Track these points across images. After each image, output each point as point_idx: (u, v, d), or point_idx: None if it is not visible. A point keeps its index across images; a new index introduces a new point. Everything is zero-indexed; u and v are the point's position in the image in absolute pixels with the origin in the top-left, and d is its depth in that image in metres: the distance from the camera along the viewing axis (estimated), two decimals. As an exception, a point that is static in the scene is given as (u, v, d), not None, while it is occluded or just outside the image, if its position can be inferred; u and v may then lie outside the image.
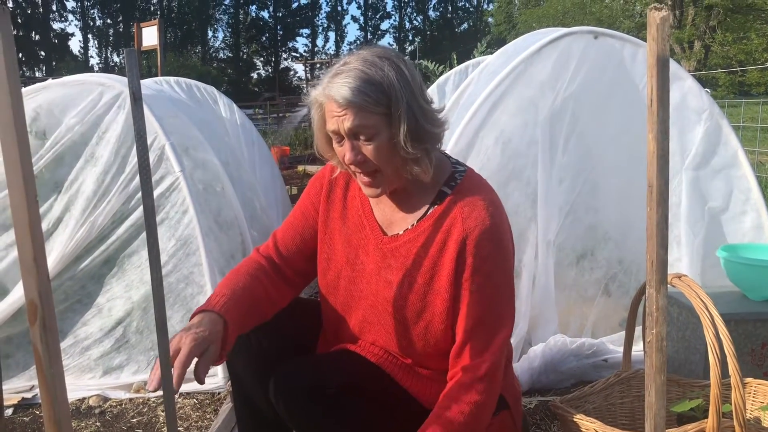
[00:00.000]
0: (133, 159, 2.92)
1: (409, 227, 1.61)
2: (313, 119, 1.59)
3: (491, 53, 3.63)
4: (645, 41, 2.78)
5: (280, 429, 1.75)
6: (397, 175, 1.55)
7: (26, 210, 0.81)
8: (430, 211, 1.59)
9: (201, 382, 1.40)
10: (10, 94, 0.78)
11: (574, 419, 1.71)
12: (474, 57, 6.49)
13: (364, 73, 1.45)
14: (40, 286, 0.83)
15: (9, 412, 2.59)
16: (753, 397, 1.89)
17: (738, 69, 21.94)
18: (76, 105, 3.00)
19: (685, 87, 2.94)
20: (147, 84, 3.94)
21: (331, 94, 1.46)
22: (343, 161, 1.54)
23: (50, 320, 0.85)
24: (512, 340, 2.32)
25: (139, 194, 2.87)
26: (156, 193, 2.90)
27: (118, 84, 3.03)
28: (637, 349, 2.40)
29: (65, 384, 0.87)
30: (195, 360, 1.40)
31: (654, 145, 1.24)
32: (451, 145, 2.70)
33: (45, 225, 2.92)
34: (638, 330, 2.42)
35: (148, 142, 2.93)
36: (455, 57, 7.33)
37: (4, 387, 2.71)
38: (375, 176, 1.52)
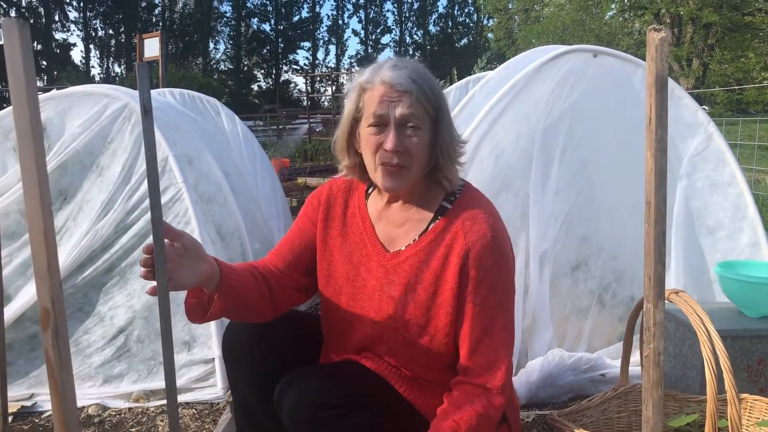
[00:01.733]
0: (139, 170, 2.94)
1: (411, 243, 1.63)
2: (344, 108, 1.61)
3: (491, 69, 3.67)
4: (644, 59, 2.82)
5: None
6: (418, 179, 1.59)
7: (41, 218, 0.83)
8: (431, 226, 1.61)
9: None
10: (29, 106, 0.81)
11: (572, 433, 1.72)
12: (474, 72, 6.55)
13: (422, 70, 1.54)
14: (53, 292, 0.85)
15: (9, 419, 2.60)
16: (749, 413, 1.90)
17: (736, 87, 22.08)
18: (81, 115, 3.03)
19: (681, 104, 2.98)
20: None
21: (386, 80, 1.50)
22: (375, 150, 1.54)
23: (62, 327, 0.87)
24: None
25: (143, 205, 2.91)
26: (158, 203, 2.93)
27: (124, 95, 3.06)
28: (635, 362, 2.42)
29: (75, 389, 0.89)
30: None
31: (652, 163, 1.26)
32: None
33: (47, 234, 2.94)
34: (635, 341, 2.44)
35: (152, 152, 2.97)
36: (455, 72, 7.39)
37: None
38: (402, 170, 1.55)
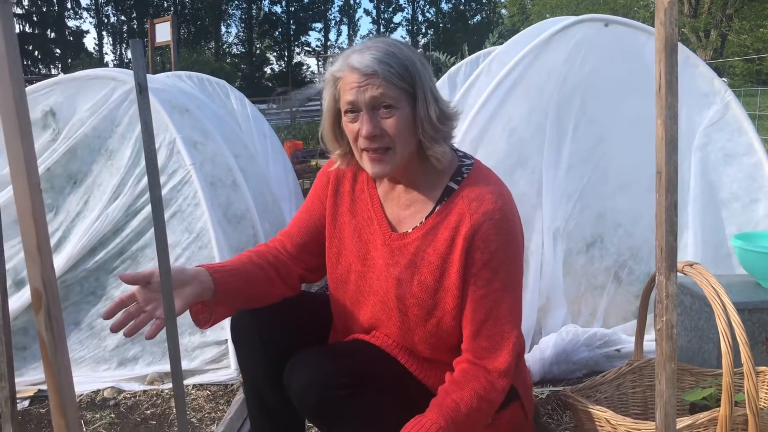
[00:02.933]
0: (146, 153, 2.93)
1: (418, 225, 1.60)
2: (323, 101, 1.58)
3: (503, 43, 3.61)
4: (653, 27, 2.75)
5: (291, 422, 1.76)
6: (407, 159, 1.54)
7: (29, 198, 0.81)
8: (438, 207, 1.58)
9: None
10: (11, 80, 0.79)
11: (586, 409, 1.70)
12: (486, 47, 6.46)
13: (387, 50, 1.48)
14: (44, 274, 0.83)
15: (25, 403, 2.62)
16: (766, 386, 1.87)
17: (755, 57, 21.65)
18: (89, 99, 3.02)
19: (696, 72, 2.91)
20: (159, 78, 3.96)
21: (353, 65, 1.46)
22: (355, 138, 1.52)
23: (55, 308, 0.85)
24: (522, 330, 2.32)
25: (152, 189, 2.90)
26: (168, 186, 2.92)
27: (130, 78, 3.05)
28: (650, 338, 2.38)
29: (71, 371, 0.88)
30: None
31: (662, 131, 1.22)
32: (461, 134, 2.69)
33: (61, 218, 2.95)
34: (650, 318, 2.41)
35: (161, 135, 2.96)
36: (467, 48, 7.29)
37: (21, 379, 2.75)
38: (386, 153, 1.51)
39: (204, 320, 1.60)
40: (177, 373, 1.30)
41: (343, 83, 1.50)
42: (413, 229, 1.60)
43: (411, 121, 1.50)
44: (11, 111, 0.79)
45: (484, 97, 2.75)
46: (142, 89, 1.23)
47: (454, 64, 6.19)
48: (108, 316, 1.44)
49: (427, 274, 1.56)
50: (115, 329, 1.45)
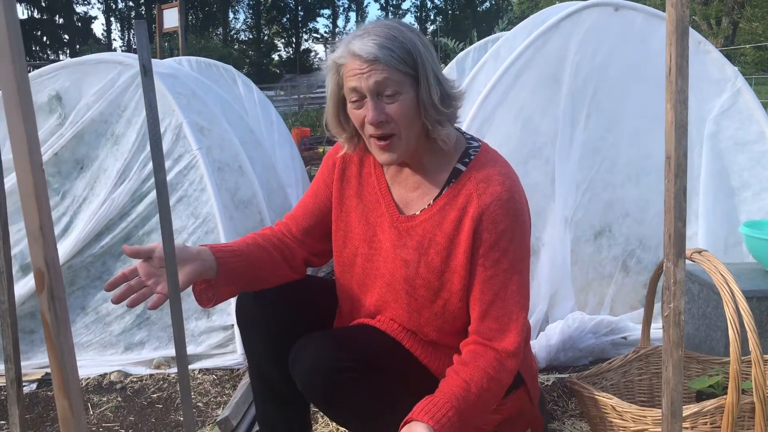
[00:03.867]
0: (152, 137, 2.93)
1: (426, 207, 1.59)
2: (327, 87, 1.57)
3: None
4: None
5: (296, 405, 1.76)
6: (414, 143, 1.53)
7: (31, 177, 0.81)
8: (446, 189, 1.57)
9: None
10: (12, 56, 0.78)
11: (592, 395, 1.69)
12: (495, 33, 6.41)
13: (388, 33, 1.45)
14: (46, 253, 0.82)
15: (33, 387, 2.64)
16: (774, 374, 1.85)
17: (767, 44, 21.43)
18: (95, 84, 3.01)
19: (707, 59, 2.87)
20: (166, 63, 3.95)
21: (354, 52, 1.45)
22: (361, 125, 1.51)
23: (58, 288, 0.84)
24: (530, 318, 2.31)
25: (158, 173, 2.89)
26: (174, 171, 2.92)
27: (137, 62, 3.04)
28: (657, 326, 2.37)
29: (74, 352, 0.88)
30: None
31: (672, 115, 1.21)
32: (468, 120, 2.67)
33: (68, 203, 2.95)
34: (658, 307, 2.39)
35: (167, 120, 2.96)
36: (476, 34, 7.24)
37: (28, 362, 2.76)
38: (392, 140, 1.50)
39: (207, 299, 1.60)
40: (182, 356, 1.30)
41: (346, 70, 1.48)
42: (421, 211, 1.59)
43: (415, 105, 1.49)
44: (12, 88, 0.78)
45: (492, 83, 2.72)
46: (146, 71, 1.22)
47: (462, 50, 6.14)
48: (110, 288, 1.45)
49: (434, 255, 1.55)
50: (115, 301, 1.46)
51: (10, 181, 2.88)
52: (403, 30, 1.48)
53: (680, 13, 1.16)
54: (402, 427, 1.36)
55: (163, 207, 1.29)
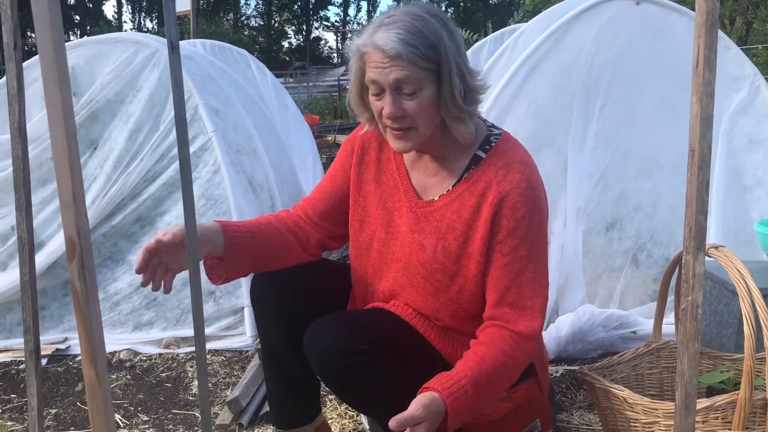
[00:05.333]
0: (167, 117, 2.93)
1: (445, 192, 1.59)
2: (350, 69, 1.57)
3: (528, 21, 3.56)
4: (688, 9, 2.69)
5: (307, 387, 1.77)
6: (430, 134, 1.53)
7: (66, 147, 0.81)
8: (465, 175, 1.57)
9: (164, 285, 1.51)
10: (51, 28, 0.78)
11: (604, 387, 1.70)
12: (510, 25, 6.38)
13: (413, 26, 1.43)
14: (78, 222, 0.83)
15: (44, 362, 2.66)
16: (786, 372, 1.85)
17: (780, 45, 21.27)
18: (111, 63, 3.01)
19: (727, 55, 2.86)
20: (181, 45, 3.94)
21: (377, 44, 1.43)
22: (379, 115, 1.51)
23: (88, 258, 0.85)
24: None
25: (172, 153, 2.90)
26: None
27: (154, 42, 3.04)
28: (667, 321, 2.37)
29: (101, 321, 0.88)
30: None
31: (698, 108, 1.20)
32: (485, 112, 2.67)
33: (79, 182, 2.95)
34: (669, 302, 2.39)
35: (182, 101, 2.95)
36: (490, 26, 7.22)
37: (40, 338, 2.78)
38: (408, 132, 1.50)
39: (218, 276, 1.61)
40: (200, 334, 1.31)
41: (368, 59, 1.47)
42: (440, 196, 1.59)
43: (435, 101, 1.48)
44: (50, 57, 0.79)
45: (509, 74, 2.72)
46: (174, 48, 1.22)
47: (476, 41, 6.12)
48: (141, 271, 1.47)
49: (451, 239, 1.55)
50: (144, 285, 1.49)
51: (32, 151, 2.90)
52: (431, 21, 1.45)
53: (710, 5, 1.15)
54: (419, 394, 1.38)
55: (186, 185, 1.29)
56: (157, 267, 1.48)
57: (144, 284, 1.49)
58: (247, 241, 1.60)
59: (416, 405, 1.34)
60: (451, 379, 1.39)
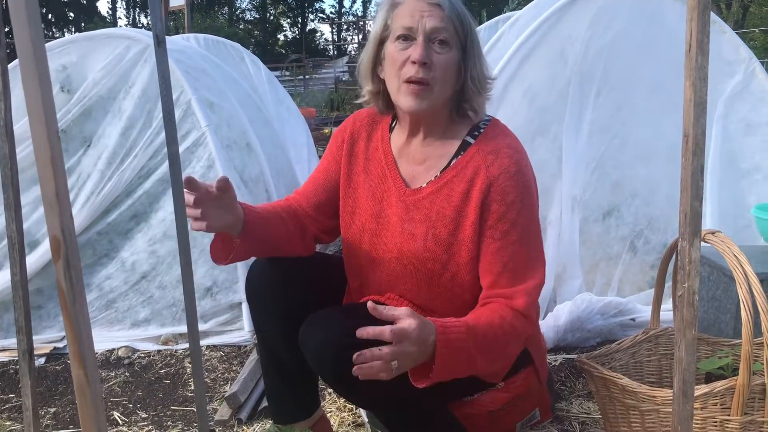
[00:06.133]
0: (159, 114, 2.91)
1: (432, 179, 1.59)
2: (372, 27, 1.59)
3: (522, 8, 3.54)
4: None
5: (305, 381, 1.76)
6: (441, 104, 1.55)
7: (48, 144, 0.80)
8: (453, 161, 1.57)
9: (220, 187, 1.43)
10: (28, 22, 0.77)
11: (602, 375, 1.69)
12: (504, 12, 6.35)
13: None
14: (62, 222, 0.82)
15: (41, 361, 2.65)
16: (785, 356, 1.85)
17: (777, 29, 21.21)
18: (103, 59, 2.99)
19: (722, 39, 2.84)
20: (174, 40, 3.92)
21: None
22: (401, 65, 1.50)
23: (73, 257, 0.84)
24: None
25: (165, 149, 2.88)
26: (182, 147, 2.90)
27: (145, 38, 3.01)
28: (666, 308, 2.36)
29: (89, 321, 0.87)
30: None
31: (691, 93, 1.19)
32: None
33: (74, 179, 2.94)
34: (666, 288, 2.38)
35: (175, 96, 2.93)
36: (485, 14, 7.19)
37: (36, 337, 2.77)
38: (426, 89, 1.50)
39: (223, 257, 1.59)
40: (193, 330, 1.30)
41: (403, 9, 1.51)
42: (427, 183, 1.59)
43: (458, 67, 1.52)
44: (29, 54, 0.77)
45: (504, 62, 2.70)
46: (159, 42, 1.21)
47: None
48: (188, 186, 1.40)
49: (441, 227, 1.55)
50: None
51: (21, 152, 2.88)
52: (463, 7, 1.55)
53: (702, -13, 1.14)
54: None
55: (176, 182, 1.28)
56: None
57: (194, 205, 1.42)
58: (261, 229, 1.59)
59: (409, 321, 1.29)
60: (446, 321, 1.38)
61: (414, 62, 1.47)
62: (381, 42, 1.57)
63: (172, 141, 1.24)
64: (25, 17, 0.77)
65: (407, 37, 1.49)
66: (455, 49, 1.51)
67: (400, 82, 1.52)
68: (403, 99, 1.52)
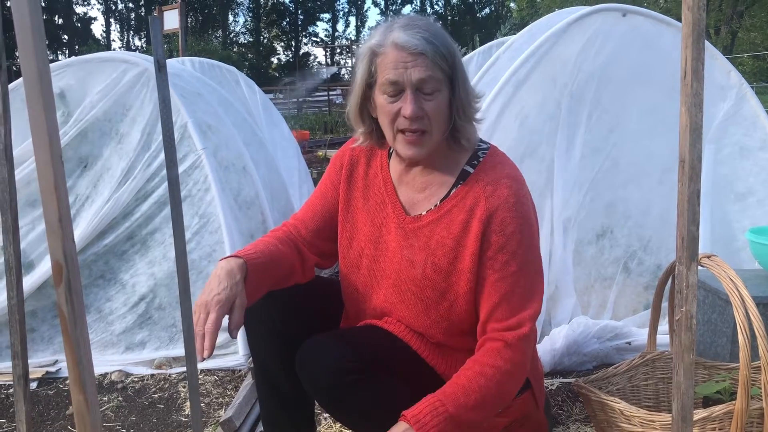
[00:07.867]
0: (158, 136, 2.92)
1: (432, 207, 1.59)
2: (355, 75, 1.55)
3: (514, 35, 3.58)
4: (674, 20, 2.71)
5: (301, 407, 1.75)
6: (438, 142, 1.54)
7: (51, 169, 0.80)
8: (453, 191, 1.57)
9: (234, 336, 1.43)
10: (35, 50, 0.77)
11: (600, 399, 1.69)
12: (497, 38, 6.42)
13: (434, 27, 1.47)
14: (65, 247, 0.82)
15: (34, 385, 2.62)
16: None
17: (766, 54, 21.49)
18: (100, 82, 3.00)
19: (713, 64, 2.88)
20: (169, 63, 3.94)
21: (398, 42, 1.44)
22: (393, 118, 1.49)
23: (75, 281, 0.84)
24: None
25: (163, 172, 2.89)
26: (179, 170, 2.90)
27: (142, 61, 3.03)
28: (662, 330, 2.37)
29: (90, 345, 0.87)
30: (226, 318, 1.41)
31: (686, 118, 1.21)
32: (474, 124, 2.67)
33: (71, 201, 2.93)
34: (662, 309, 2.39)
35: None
36: (478, 39, 7.26)
37: (29, 361, 2.75)
38: (423, 136, 1.50)
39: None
40: (190, 354, 1.29)
41: (385, 60, 1.46)
42: (427, 211, 1.59)
43: (448, 105, 1.50)
44: (35, 81, 0.78)
45: (498, 87, 2.72)
46: (161, 67, 1.22)
47: (464, 54, 6.16)
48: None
49: (440, 256, 1.54)
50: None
51: (20, 173, 2.88)
52: (442, 30, 1.50)
53: (696, 16, 1.16)
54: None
55: (176, 206, 1.29)
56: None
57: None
58: (264, 278, 1.56)
59: None
60: (429, 405, 1.38)
61: (407, 117, 1.46)
62: (368, 86, 1.54)
63: (171, 164, 1.25)
64: (32, 45, 0.77)
65: (395, 90, 1.47)
66: (444, 88, 1.48)
67: (395, 132, 1.51)
68: (401, 148, 1.53)
